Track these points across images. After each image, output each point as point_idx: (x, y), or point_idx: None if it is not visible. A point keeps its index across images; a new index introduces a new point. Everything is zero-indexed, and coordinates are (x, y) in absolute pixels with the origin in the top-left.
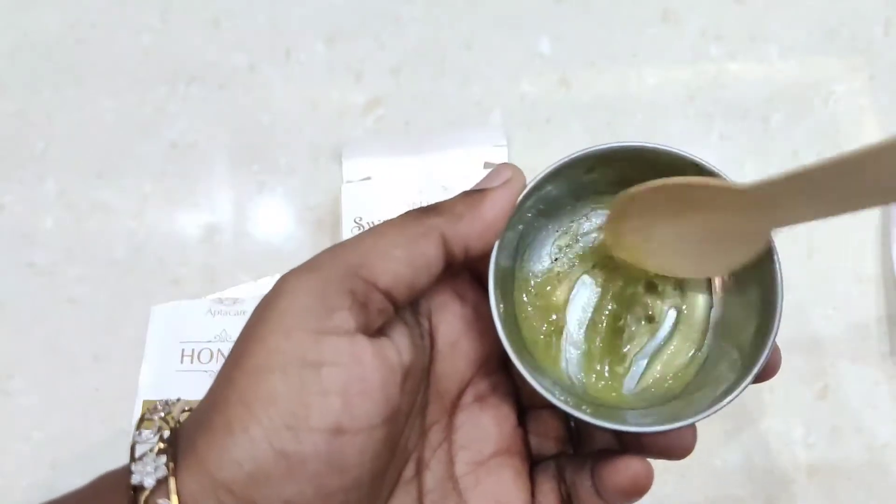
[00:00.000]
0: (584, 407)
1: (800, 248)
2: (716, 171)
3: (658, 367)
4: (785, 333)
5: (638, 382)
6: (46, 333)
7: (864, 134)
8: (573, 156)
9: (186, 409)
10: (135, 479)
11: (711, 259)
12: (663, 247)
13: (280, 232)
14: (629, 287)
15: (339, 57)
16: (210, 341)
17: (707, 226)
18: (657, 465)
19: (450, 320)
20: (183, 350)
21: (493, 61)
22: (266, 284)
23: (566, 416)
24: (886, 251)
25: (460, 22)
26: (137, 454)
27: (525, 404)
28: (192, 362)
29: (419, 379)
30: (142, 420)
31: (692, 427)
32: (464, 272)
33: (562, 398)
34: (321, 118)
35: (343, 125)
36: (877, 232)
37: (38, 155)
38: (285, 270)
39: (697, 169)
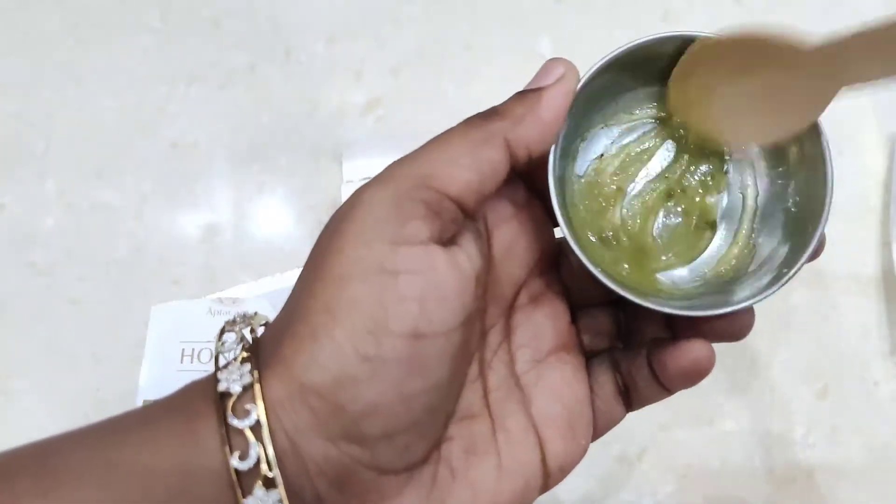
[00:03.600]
0: (650, 297)
1: None
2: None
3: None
4: (785, 333)
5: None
6: (47, 333)
7: (865, 134)
8: (628, 46)
9: (263, 322)
10: (221, 387)
11: (775, 121)
12: (726, 108)
13: (280, 232)
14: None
15: (339, 57)
16: (210, 341)
17: (774, 84)
18: (657, 465)
19: (504, 224)
20: (183, 350)
21: (493, 61)
22: (266, 284)
23: (615, 312)
24: (886, 251)
25: (460, 22)
26: (221, 363)
27: (574, 303)
28: (192, 362)
29: (485, 283)
30: (222, 332)
31: (751, 308)
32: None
33: (625, 291)
34: (321, 118)
35: (343, 125)
36: (877, 232)
37: (38, 155)
38: (285, 270)
39: None
